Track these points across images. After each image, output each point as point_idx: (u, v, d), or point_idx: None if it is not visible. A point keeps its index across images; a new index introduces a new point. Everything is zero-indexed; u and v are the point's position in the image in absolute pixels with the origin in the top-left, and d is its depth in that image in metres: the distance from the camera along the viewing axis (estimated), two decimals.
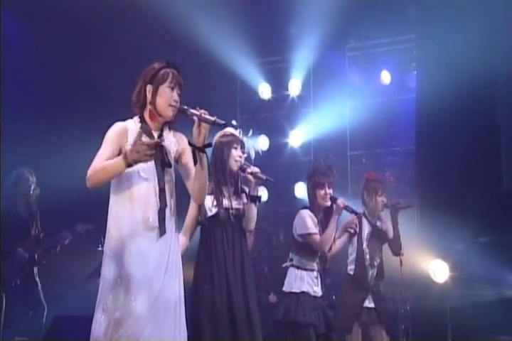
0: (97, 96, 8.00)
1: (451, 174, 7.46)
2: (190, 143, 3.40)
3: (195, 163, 3.46)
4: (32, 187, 7.10)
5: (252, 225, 4.61)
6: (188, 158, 3.53)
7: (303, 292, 5.13)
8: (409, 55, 8.51)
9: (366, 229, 5.77)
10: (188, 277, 4.44)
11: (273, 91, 9.42)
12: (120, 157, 3.27)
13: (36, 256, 6.90)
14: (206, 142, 3.38)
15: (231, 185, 4.62)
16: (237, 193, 4.61)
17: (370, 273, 5.69)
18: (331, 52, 8.81)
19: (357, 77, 8.93)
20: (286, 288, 5.19)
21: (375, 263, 5.71)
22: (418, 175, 8.02)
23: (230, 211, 4.56)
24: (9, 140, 7.53)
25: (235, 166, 4.60)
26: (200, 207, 4.57)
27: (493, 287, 6.90)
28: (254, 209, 4.56)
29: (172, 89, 3.51)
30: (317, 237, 5.16)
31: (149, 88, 3.49)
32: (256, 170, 4.54)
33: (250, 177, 4.53)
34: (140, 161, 3.25)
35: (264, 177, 4.51)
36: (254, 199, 4.54)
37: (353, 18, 8.37)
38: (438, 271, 7.16)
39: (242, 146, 4.66)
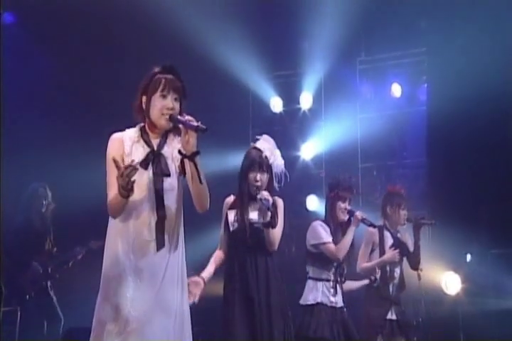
0: (109, 107, 7.93)
1: (462, 186, 7.42)
2: (179, 152, 3.24)
3: (183, 172, 3.33)
4: (46, 202, 7.19)
5: (272, 248, 4.48)
6: None
7: (318, 303, 5.12)
8: (419, 68, 8.54)
9: (388, 241, 5.79)
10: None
11: (285, 105, 9.44)
12: (117, 192, 3.15)
13: (50, 270, 7.02)
14: (195, 150, 3.19)
15: (252, 200, 4.53)
16: (260, 209, 4.52)
17: (391, 284, 5.72)
18: (342, 65, 8.86)
19: (368, 90, 8.97)
20: (302, 301, 5.18)
21: (396, 275, 5.74)
22: (429, 187, 8.02)
23: (252, 226, 4.50)
24: (23, 154, 7.56)
25: (252, 190, 4.54)
26: (226, 222, 4.58)
27: (505, 298, 6.87)
28: (270, 233, 4.42)
29: (164, 96, 3.33)
30: (331, 246, 5.17)
31: (144, 99, 3.36)
32: (264, 196, 4.39)
33: (259, 203, 4.38)
34: (128, 186, 3.09)
35: (269, 205, 4.34)
36: (266, 225, 4.42)
37: (364, 32, 8.46)
38: (450, 282, 7.17)
39: (263, 166, 4.55)
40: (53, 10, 7.79)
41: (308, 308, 5.11)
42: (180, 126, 3.20)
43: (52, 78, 8.22)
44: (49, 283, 7.04)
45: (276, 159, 4.65)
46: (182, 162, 3.30)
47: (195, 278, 4.43)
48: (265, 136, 4.74)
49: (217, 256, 4.66)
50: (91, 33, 8.08)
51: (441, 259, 7.10)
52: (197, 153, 3.19)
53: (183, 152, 3.19)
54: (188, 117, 3.20)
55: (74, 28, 8.05)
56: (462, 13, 7.44)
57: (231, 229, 4.55)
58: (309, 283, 5.23)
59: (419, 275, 5.90)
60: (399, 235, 5.85)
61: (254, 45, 8.26)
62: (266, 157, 4.57)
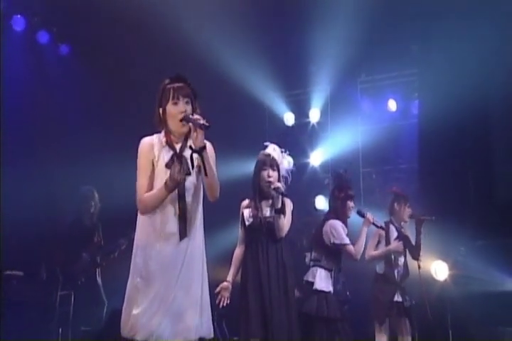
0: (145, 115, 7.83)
1: (450, 188, 7.79)
2: (190, 147, 3.38)
3: (192, 166, 3.42)
4: (94, 203, 7.65)
5: (281, 233, 4.63)
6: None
7: (330, 291, 5.41)
8: (412, 86, 8.87)
9: (393, 234, 6.11)
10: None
11: (296, 119, 9.80)
12: (162, 187, 3.33)
13: (98, 259, 7.51)
14: (202, 145, 3.33)
15: (265, 198, 4.77)
16: (272, 206, 4.70)
17: (396, 271, 6.04)
18: (345, 85, 9.23)
19: (367, 105, 9.29)
20: (317, 286, 5.39)
21: (399, 263, 6.07)
22: (421, 188, 8.29)
23: (264, 221, 4.70)
24: (75, 161, 8.06)
25: (264, 186, 4.75)
26: (242, 219, 4.80)
27: (487, 283, 7.16)
28: (280, 220, 4.60)
29: (176, 103, 3.43)
30: (351, 248, 5.45)
31: (160, 111, 3.49)
32: (277, 185, 4.65)
33: (273, 192, 4.66)
34: (182, 182, 3.31)
35: (280, 193, 4.61)
36: (278, 211, 4.62)
37: (364, 56, 8.72)
38: (439, 270, 7.49)
39: (273, 165, 4.77)
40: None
41: (322, 294, 5.34)
42: (191, 124, 3.36)
43: (86, 78, 8.60)
44: (98, 271, 7.48)
45: (283, 162, 4.94)
46: (191, 157, 3.42)
47: (224, 284, 4.79)
48: (272, 144, 5.00)
49: (236, 256, 4.87)
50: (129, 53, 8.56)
51: (432, 250, 7.23)
52: (204, 147, 3.34)
53: (193, 147, 3.35)
54: (196, 116, 3.36)
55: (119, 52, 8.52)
56: (449, 38, 7.79)
57: (247, 223, 4.77)
58: (322, 271, 5.44)
59: (419, 265, 6.17)
60: (402, 230, 6.21)
61: (270, 69, 8.67)
62: (274, 158, 4.85)
